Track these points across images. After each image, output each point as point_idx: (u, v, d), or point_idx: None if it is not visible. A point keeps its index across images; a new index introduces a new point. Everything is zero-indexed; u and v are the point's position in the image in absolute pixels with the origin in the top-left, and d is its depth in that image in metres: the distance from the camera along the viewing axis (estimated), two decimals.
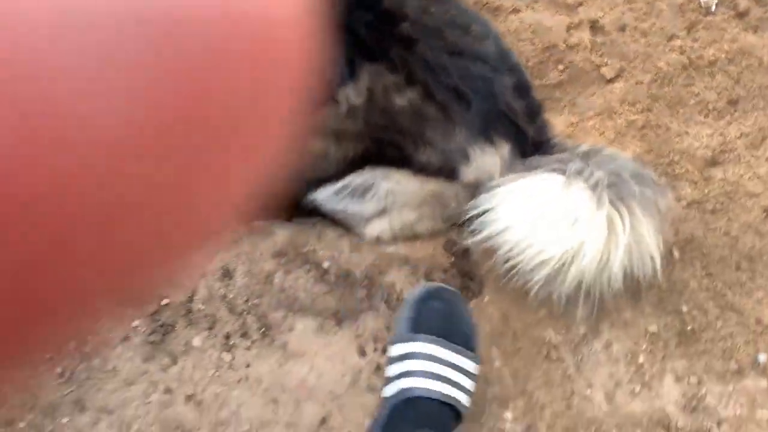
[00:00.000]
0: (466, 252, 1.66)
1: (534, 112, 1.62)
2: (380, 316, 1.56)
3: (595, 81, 1.94)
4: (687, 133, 1.89)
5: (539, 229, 1.40)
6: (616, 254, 1.42)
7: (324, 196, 1.52)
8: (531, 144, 1.57)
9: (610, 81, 1.93)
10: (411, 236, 1.61)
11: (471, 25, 1.54)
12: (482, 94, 1.47)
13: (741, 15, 2.11)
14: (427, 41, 1.42)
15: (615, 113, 1.88)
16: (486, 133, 1.48)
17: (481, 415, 1.52)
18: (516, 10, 2.00)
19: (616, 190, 1.45)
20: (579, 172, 1.45)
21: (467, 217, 1.53)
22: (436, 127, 1.45)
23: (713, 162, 1.87)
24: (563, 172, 1.45)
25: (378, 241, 1.57)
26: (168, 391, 1.47)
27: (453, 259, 1.66)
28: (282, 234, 1.58)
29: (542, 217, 1.40)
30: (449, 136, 1.46)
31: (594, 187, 1.43)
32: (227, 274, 1.51)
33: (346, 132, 1.43)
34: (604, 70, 1.94)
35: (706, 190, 1.83)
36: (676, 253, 1.76)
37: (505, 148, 1.51)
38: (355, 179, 1.48)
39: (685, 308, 1.70)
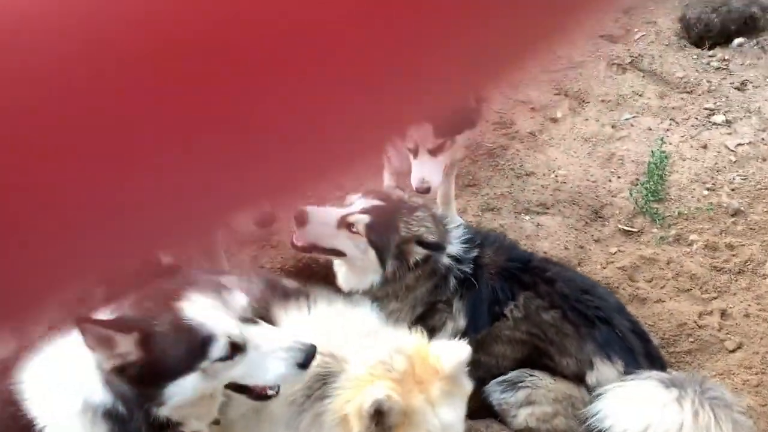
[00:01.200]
0: None
1: (652, 355, 2.32)
2: None
3: (719, 351, 2.53)
4: None
5: (629, 414, 2.03)
6: None
7: (492, 386, 2.34)
8: None
9: (732, 351, 2.51)
10: (551, 429, 2.29)
11: (597, 286, 2.42)
12: (604, 323, 2.26)
13: None
14: (564, 282, 2.32)
15: (733, 374, 2.42)
16: (606, 350, 2.22)
17: None
18: (660, 300, 2.76)
19: (701, 397, 2.02)
20: (671, 381, 2.08)
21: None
22: (572, 340, 2.25)
23: None
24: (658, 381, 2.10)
25: (526, 425, 2.29)
26: None
27: None
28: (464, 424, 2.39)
29: (631, 405, 2.05)
30: (580, 347, 2.24)
31: (672, 384, 2.04)
32: None
33: (515, 338, 2.30)
34: (727, 343, 2.54)
35: None
36: None
37: (619, 365, 2.22)
38: (512, 374, 2.30)
39: None
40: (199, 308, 1.53)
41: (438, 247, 2.26)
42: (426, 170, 2.47)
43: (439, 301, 2.29)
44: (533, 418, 2.28)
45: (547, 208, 3.20)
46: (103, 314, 1.54)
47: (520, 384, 2.30)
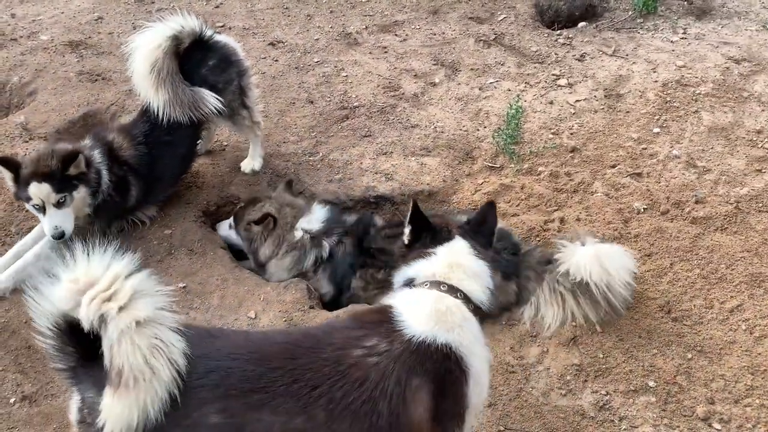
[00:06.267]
0: None
1: (512, 248, 3.08)
2: None
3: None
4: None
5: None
6: None
7: None
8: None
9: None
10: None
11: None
12: None
13: None
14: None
15: None
16: None
17: None
18: (516, 215, 3.55)
19: None
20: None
21: None
22: None
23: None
24: None
25: None
26: None
27: None
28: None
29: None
30: None
31: None
32: None
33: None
34: (563, 240, 3.35)
35: None
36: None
37: None
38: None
39: None
40: None
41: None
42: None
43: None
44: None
45: (429, 152, 3.94)
46: None
47: None
